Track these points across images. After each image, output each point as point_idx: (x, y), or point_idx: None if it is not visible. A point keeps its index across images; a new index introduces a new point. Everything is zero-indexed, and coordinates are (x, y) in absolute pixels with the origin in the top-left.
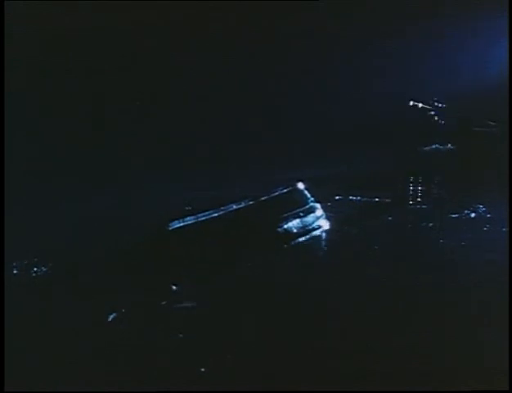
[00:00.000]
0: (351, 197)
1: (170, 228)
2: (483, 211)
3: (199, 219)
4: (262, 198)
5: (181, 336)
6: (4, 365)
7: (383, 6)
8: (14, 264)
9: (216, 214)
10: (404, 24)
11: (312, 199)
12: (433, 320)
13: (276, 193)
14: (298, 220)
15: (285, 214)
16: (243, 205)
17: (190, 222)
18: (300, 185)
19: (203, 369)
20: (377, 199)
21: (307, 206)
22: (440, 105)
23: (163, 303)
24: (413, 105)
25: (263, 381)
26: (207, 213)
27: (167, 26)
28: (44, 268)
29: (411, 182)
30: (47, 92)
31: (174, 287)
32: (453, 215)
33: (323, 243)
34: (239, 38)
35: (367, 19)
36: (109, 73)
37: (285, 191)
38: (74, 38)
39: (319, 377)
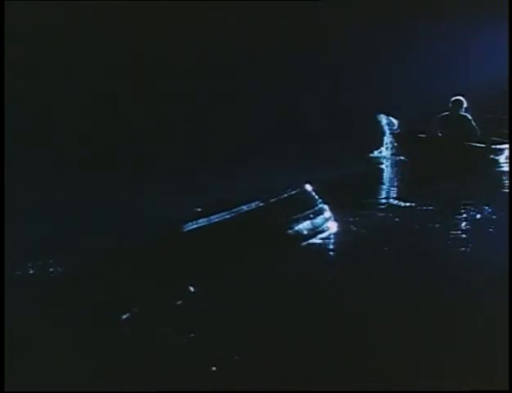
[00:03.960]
0: (358, 199)
1: (184, 230)
2: (489, 212)
3: (212, 221)
4: (272, 200)
5: (192, 335)
6: (4, 365)
7: (383, 7)
8: (29, 264)
9: (228, 216)
10: (404, 24)
11: (321, 200)
12: (434, 320)
13: (285, 195)
14: (308, 222)
15: (295, 216)
16: (253, 206)
17: (203, 224)
18: (308, 187)
19: (214, 368)
20: (383, 200)
21: (317, 208)
22: None
23: (179, 303)
24: None
25: (274, 382)
26: (219, 215)
27: (167, 26)
28: (60, 269)
29: (417, 184)
30: (47, 92)
31: (192, 289)
32: (459, 216)
33: (333, 244)
34: (239, 38)
35: (367, 19)
36: (109, 73)
37: (294, 192)
38: (74, 38)
39: (321, 376)
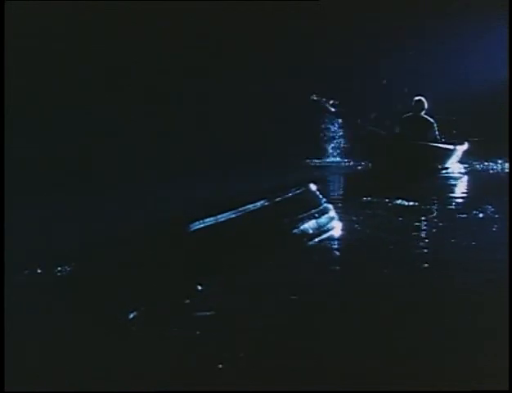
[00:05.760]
0: (362, 198)
1: (191, 229)
2: (492, 212)
3: (219, 220)
4: (277, 199)
5: (198, 333)
6: (4, 365)
7: (383, 7)
8: (36, 264)
9: (234, 215)
10: (404, 24)
11: (325, 200)
12: (434, 319)
13: (290, 194)
14: (313, 221)
15: (301, 215)
16: (259, 206)
17: (209, 223)
18: (312, 186)
19: (220, 366)
20: (387, 200)
21: (321, 207)
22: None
23: (187, 302)
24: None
25: (275, 382)
26: (226, 214)
27: (167, 25)
28: (67, 268)
29: (420, 183)
30: (47, 92)
31: (200, 287)
32: (462, 216)
33: (338, 244)
34: (239, 39)
35: (367, 19)
36: (110, 73)
37: (299, 192)
38: (74, 38)
39: (321, 375)
